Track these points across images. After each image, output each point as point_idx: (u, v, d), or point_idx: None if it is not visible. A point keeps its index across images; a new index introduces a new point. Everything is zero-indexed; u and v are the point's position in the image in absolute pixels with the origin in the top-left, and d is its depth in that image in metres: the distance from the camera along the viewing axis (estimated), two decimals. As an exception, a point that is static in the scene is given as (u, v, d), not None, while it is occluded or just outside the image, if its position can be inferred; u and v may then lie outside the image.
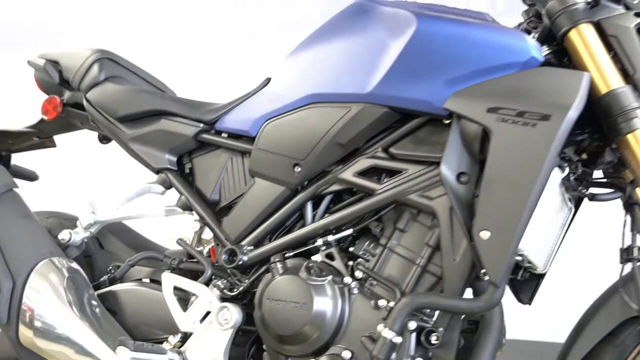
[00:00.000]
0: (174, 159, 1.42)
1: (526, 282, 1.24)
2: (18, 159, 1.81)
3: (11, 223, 1.35)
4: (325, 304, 1.14)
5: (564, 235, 1.21)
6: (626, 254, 1.11)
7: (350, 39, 1.23)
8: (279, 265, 1.21)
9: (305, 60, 1.31)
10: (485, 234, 1.03)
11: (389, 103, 1.16)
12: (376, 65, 1.17)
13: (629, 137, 1.05)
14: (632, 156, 1.05)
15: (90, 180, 2.73)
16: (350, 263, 1.21)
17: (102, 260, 1.53)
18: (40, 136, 1.72)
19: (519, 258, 1.06)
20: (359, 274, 1.19)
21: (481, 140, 1.05)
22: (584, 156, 1.16)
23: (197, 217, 1.38)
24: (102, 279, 1.45)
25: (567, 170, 1.12)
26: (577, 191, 1.15)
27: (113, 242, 1.54)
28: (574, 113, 1.00)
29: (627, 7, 1.14)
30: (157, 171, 1.44)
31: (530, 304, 1.27)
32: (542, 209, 1.06)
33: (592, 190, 1.19)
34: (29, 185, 1.79)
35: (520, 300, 1.27)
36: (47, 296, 1.26)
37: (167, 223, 1.49)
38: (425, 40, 1.13)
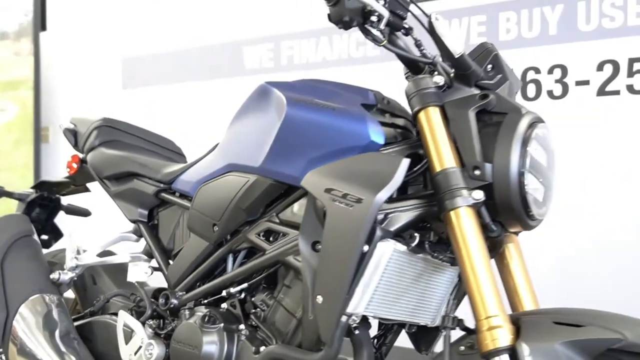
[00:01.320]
0: (145, 212, 1.71)
1: (426, 333, 1.36)
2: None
3: (17, 264, 1.70)
4: (213, 348, 1.35)
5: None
6: (442, 322, 1.20)
7: (253, 118, 1.43)
8: (187, 311, 1.44)
9: (231, 132, 1.53)
10: (319, 299, 1.19)
11: (272, 176, 1.36)
12: (263, 143, 1.36)
13: (451, 213, 1.14)
14: (451, 232, 1.15)
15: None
16: (254, 311, 1.41)
17: (92, 295, 1.84)
18: (75, 184, 2.10)
19: (355, 319, 1.20)
20: (253, 322, 1.39)
21: (324, 215, 1.21)
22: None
23: (155, 264, 1.64)
24: (85, 311, 1.76)
25: (415, 240, 1.22)
26: (435, 256, 1.25)
27: (104, 279, 1.85)
28: (383, 196, 1.13)
29: (481, 87, 1.24)
30: (132, 221, 1.73)
31: (427, 353, 1.38)
32: (387, 277, 1.19)
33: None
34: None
35: (418, 349, 1.39)
36: (30, 325, 1.59)
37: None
38: (292, 124, 1.31)
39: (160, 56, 3.93)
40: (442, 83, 1.22)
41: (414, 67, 1.28)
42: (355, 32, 3.38)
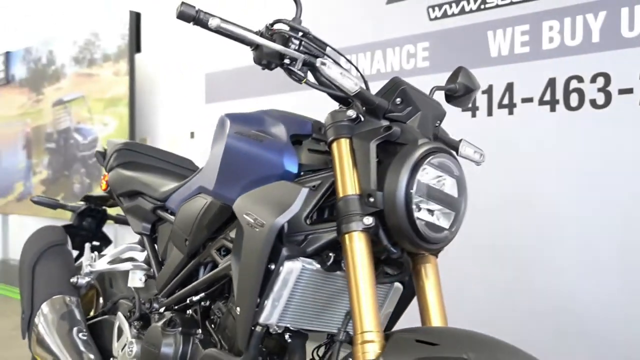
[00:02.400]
0: (148, 226, 1.92)
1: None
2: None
3: (46, 268, 1.98)
4: (169, 349, 1.53)
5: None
6: (337, 335, 1.27)
7: (214, 146, 1.59)
8: (157, 315, 1.63)
9: (208, 156, 1.70)
10: (238, 310, 1.32)
11: (220, 199, 1.51)
12: (215, 169, 1.52)
13: (346, 236, 1.23)
14: (344, 253, 1.23)
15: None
16: (211, 317, 1.57)
17: (109, 296, 2.08)
18: (112, 198, 2.39)
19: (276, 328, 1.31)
20: (209, 327, 1.55)
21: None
22: None
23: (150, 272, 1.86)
24: (99, 311, 2.01)
25: (330, 259, 1.31)
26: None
27: (119, 283, 2.08)
28: (280, 220, 1.25)
29: (390, 120, 1.31)
30: (138, 234, 1.95)
31: None
32: (301, 291, 1.30)
33: None
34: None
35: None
36: (48, 321, 1.86)
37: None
38: (230, 153, 1.46)
39: (239, 71, 4.22)
40: (354, 116, 1.29)
41: (340, 99, 1.37)
42: (403, 49, 3.39)
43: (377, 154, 1.25)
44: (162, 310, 1.68)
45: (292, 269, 1.28)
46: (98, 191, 2.57)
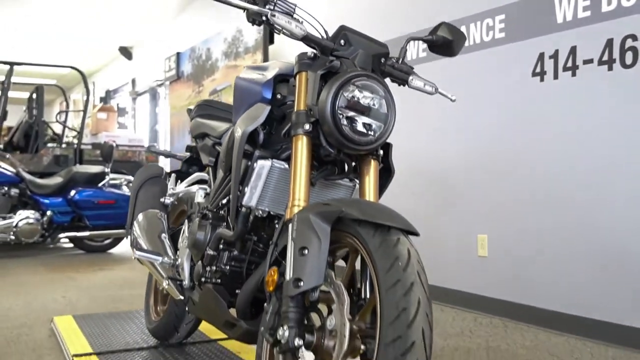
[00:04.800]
0: (212, 159, 2.47)
1: None
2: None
3: (145, 192, 2.63)
4: (201, 234, 2.04)
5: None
6: None
7: None
8: (200, 214, 2.16)
9: None
10: (230, 197, 1.81)
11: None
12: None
13: (293, 139, 1.65)
14: (293, 151, 1.64)
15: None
16: None
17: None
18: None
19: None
20: (227, 218, 2.06)
21: None
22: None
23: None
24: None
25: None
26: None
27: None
28: (249, 129, 1.73)
29: (337, 57, 1.71)
30: (206, 166, 2.52)
31: None
32: (274, 184, 1.76)
33: None
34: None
35: None
36: (141, 226, 2.50)
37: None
38: (235, 90, 1.96)
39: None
40: (312, 56, 1.69)
41: (310, 45, 1.79)
42: (483, 23, 3.59)
43: (324, 82, 1.65)
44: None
45: (263, 165, 1.76)
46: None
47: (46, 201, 6.24)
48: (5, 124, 7.19)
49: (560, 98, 3.21)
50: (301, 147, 1.64)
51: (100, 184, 6.45)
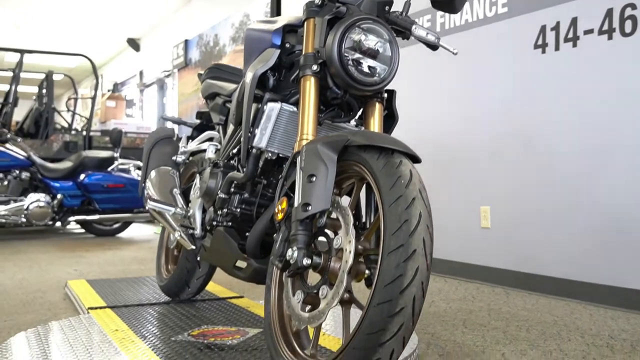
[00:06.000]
0: (223, 117, 2.56)
1: None
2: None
3: (157, 151, 2.72)
4: (213, 181, 2.13)
5: None
6: None
7: None
8: (212, 164, 2.25)
9: None
10: (241, 138, 1.90)
11: None
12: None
13: (302, 80, 1.74)
14: (301, 92, 1.73)
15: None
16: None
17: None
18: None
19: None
20: (238, 165, 2.14)
21: None
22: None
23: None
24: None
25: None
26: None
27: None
28: (259, 72, 1.82)
29: (343, 4, 1.79)
30: (216, 124, 2.61)
31: None
32: (283, 127, 1.84)
33: None
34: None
35: None
36: (153, 182, 2.58)
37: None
38: (246, 41, 2.04)
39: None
40: (319, 3, 1.79)
41: None
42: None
43: (330, 27, 1.74)
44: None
45: (273, 108, 1.84)
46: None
47: (56, 185, 6.34)
48: (15, 118, 7.30)
49: (562, 69, 3.28)
50: (309, 87, 1.73)
51: (109, 169, 6.56)
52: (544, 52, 3.38)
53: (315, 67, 1.72)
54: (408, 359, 1.92)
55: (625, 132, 2.98)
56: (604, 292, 3.04)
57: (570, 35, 3.23)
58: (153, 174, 2.62)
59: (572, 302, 3.16)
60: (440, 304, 3.10)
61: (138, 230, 7.58)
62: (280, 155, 1.90)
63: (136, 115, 10.52)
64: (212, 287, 3.19)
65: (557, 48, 3.31)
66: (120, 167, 6.61)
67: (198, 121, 3.10)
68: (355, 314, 1.46)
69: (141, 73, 10.46)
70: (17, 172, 6.27)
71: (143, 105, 10.55)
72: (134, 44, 10.74)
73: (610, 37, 3.04)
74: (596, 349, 2.27)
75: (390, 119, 1.90)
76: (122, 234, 7.02)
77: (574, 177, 3.21)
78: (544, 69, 3.38)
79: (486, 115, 3.74)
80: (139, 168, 6.63)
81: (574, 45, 3.22)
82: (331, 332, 2.21)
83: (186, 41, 7.66)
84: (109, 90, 11.82)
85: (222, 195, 2.04)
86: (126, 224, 6.95)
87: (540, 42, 3.40)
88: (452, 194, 3.98)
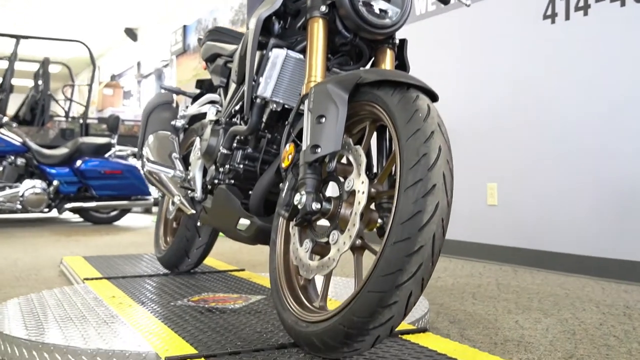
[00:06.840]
0: (224, 79, 2.47)
1: None
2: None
3: (155, 116, 2.62)
4: (214, 139, 2.04)
5: None
6: None
7: None
8: (213, 122, 2.16)
9: None
10: (245, 88, 1.80)
11: None
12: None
13: (309, 21, 1.63)
14: (309, 34, 1.63)
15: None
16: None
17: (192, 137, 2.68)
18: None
19: None
20: (240, 121, 2.05)
21: None
22: None
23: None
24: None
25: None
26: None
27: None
28: (263, 15, 1.72)
29: None
30: (218, 87, 2.51)
31: None
32: (289, 75, 1.75)
33: None
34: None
35: None
36: (151, 147, 2.48)
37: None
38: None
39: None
40: None
41: None
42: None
43: None
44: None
45: (278, 54, 1.75)
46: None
47: (53, 171, 6.24)
48: (9, 112, 7.18)
49: (573, 39, 3.19)
50: (317, 29, 1.63)
51: (106, 155, 6.45)
52: (553, 22, 3.29)
53: (323, 9, 1.63)
54: (420, 321, 1.82)
55: (638, 104, 2.89)
56: (616, 267, 2.95)
57: (582, 3, 3.14)
58: (151, 138, 2.52)
59: (583, 277, 3.07)
60: (447, 279, 3.01)
61: (136, 220, 7.48)
62: (286, 106, 1.80)
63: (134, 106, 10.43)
64: (212, 262, 3.09)
65: (567, 17, 3.22)
66: (118, 153, 6.51)
67: (198, 91, 3.01)
68: (369, 262, 1.36)
69: (139, 64, 10.36)
70: (13, 158, 6.16)
71: (140, 97, 10.44)
72: (131, 33, 10.63)
73: (623, 4, 2.94)
74: (613, 317, 2.18)
75: (401, 69, 1.81)
76: (119, 222, 6.92)
77: (584, 151, 3.12)
78: (554, 39, 3.29)
79: (493, 90, 3.65)
80: (135, 155, 6.53)
81: (585, 13, 3.13)
82: (337, 298, 2.11)
83: (185, 27, 7.55)
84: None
85: (224, 151, 1.95)
86: (123, 212, 6.85)
87: (549, 12, 3.31)
88: (458, 171, 3.89)
